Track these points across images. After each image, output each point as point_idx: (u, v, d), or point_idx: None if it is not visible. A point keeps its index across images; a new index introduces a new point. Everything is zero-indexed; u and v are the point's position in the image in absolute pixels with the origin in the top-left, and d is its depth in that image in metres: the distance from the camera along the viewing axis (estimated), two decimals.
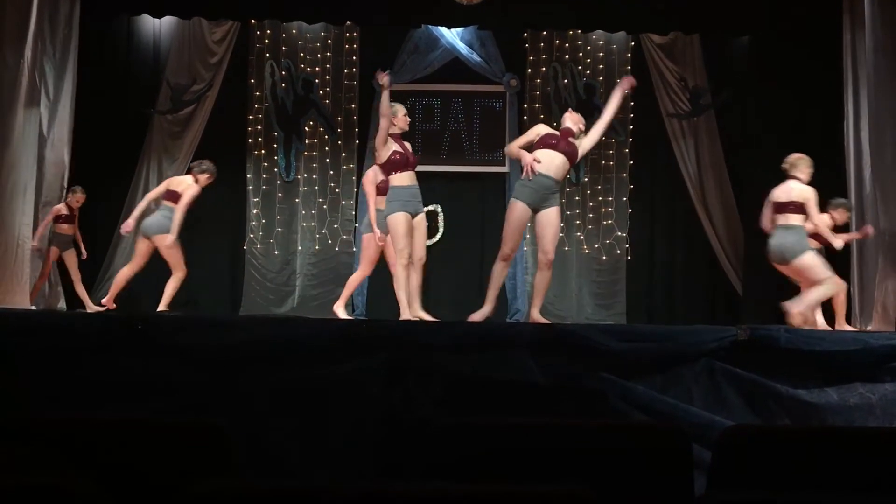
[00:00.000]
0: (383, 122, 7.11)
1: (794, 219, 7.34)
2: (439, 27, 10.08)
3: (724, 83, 10.21)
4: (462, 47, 10.22)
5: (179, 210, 8.21)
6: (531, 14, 9.54)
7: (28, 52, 8.48)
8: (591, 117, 9.11)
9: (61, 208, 9.01)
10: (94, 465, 2.32)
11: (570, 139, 7.08)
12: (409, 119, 7.43)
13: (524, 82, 10.46)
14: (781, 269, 7.51)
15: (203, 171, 8.46)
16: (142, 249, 8.33)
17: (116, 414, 3.06)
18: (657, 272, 10.41)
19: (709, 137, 10.28)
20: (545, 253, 7.04)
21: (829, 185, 8.97)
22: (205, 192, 10.34)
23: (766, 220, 7.53)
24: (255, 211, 10.34)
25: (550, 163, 6.95)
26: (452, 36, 10.17)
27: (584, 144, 7.16)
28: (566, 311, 10.11)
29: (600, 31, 10.28)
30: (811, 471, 2.90)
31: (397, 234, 7.04)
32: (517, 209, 6.97)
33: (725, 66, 10.34)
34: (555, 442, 2.86)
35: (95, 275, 9.73)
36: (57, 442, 2.39)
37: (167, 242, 8.16)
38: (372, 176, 7.86)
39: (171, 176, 10.01)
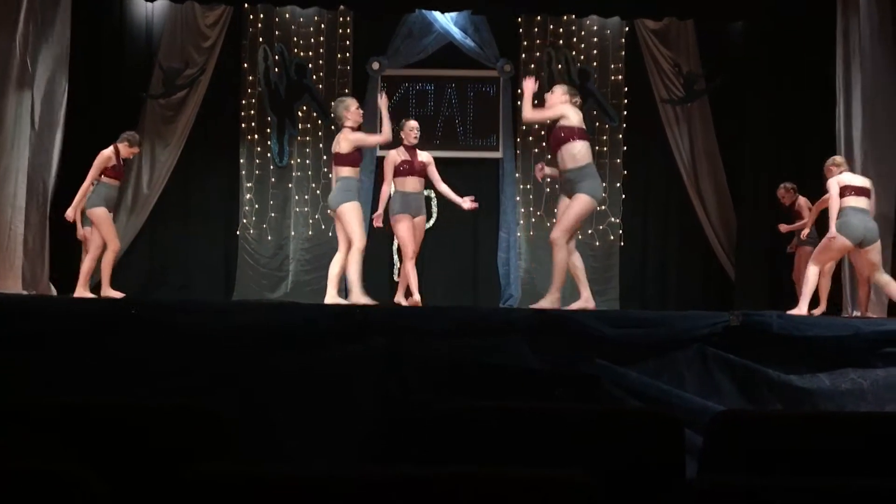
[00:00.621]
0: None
1: (867, 204, 7.59)
2: (433, 12, 10.06)
3: (718, 69, 10.21)
4: (456, 32, 10.21)
5: (87, 179, 7.99)
6: None
7: (19, 36, 8.45)
8: (584, 102, 9.14)
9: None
10: (90, 450, 2.33)
11: None
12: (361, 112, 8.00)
13: (518, 67, 10.44)
14: (852, 251, 7.67)
15: (122, 140, 8.21)
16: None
17: (112, 398, 3.07)
18: (650, 258, 10.44)
19: (703, 124, 10.29)
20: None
21: (820, 172, 9.01)
22: (197, 176, 10.37)
23: (834, 203, 7.55)
24: (248, 196, 10.34)
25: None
26: (446, 21, 10.16)
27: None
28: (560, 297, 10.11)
29: (594, 16, 10.27)
30: (802, 456, 2.92)
31: (352, 221, 7.59)
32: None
33: (719, 52, 10.34)
34: (548, 427, 2.88)
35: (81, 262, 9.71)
36: (52, 426, 2.41)
37: (93, 216, 8.00)
38: (394, 156, 8.15)
39: (164, 161, 10.03)
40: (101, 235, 8.03)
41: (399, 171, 8.08)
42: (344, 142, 7.69)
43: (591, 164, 7.35)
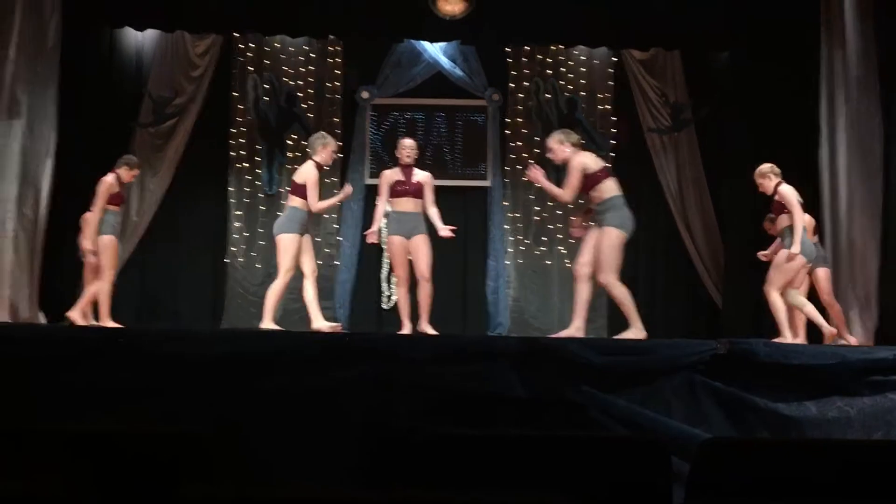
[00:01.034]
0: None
1: None
2: (422, 41, 10.12)
3: (704, 99, 10.28)
4: (445, 62, 10.26)
5: (95, 208, 8.03)
6: (514, 29, 9.57)
7: (10, 65, 8.47)
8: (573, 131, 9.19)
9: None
10: (78, 474, 2.33)
11: None
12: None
13: (506, 97, 10.50)
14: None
15: (121, 165, 8.26)
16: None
17: (100, 424, 3.07)
18: (638, 286, 10.41)
19: (689, 152, 10.35)
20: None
21: (805, 200, 9.07)
22: (187, 204, 10.37)
23: (799, 216, 7.54)
24: (237, 224, 10.33)
25: None
26: (435, 50, 10.21)
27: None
28: (548, 324, 10.13)
29: (582, 46, 10.34)
30: (789, 483, 2.93)
31: (285, 253, 7.90)
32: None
33: (706, 81, 10.40)
34: (536, 454, 2.89)
35: (76, 288, 9.69)
36: (40, 451, 2.40)
37: (101, 244, 8.02)
38: (389, 176, 8.25)
39: (153, 189, 10.02)
40: (101, 263, 8.04)
41: (394, 192, 8.13)
42: (301, 173, 7.98)
43: (618, 197, 7.42)
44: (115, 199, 8.13)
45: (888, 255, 8.41)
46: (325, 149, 8.03)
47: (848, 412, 5.59)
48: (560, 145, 7.54)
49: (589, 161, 7.46)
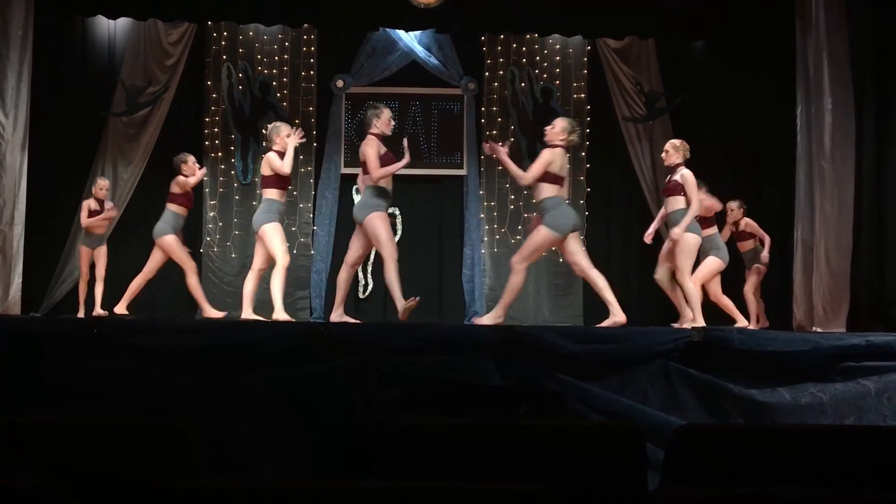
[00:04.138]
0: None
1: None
2: (397, 30, 10.10)
3: (679, 87, 10.32)
4: (420, 50, 10.25)
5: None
6: (489, 17, 9.57)
7: None
8: (546, 120, 9.21)
9: (90, 203, 9.10)
10: (55, 467, 2.32)
11: None
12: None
13: (482, 85, 10.51)
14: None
15: (177, 165, 8.94)
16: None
17: (77, 416, 3.05)
18: (614, 274, 10.47)
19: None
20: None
21: (781, 190, 9.14)
22: (160, 194, 10.31)
23: (695, 196, 7.90)
24: (211, 214, 10.29)
25: None
26: (410, 39, 10.19)
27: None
28: (524, 313, 10.16)
29: (557, 35, 10.35)
30: (762, 468, 2.96)
31: (273, 240, 8.18)
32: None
33: (680, 70, 10.45)
34: (513, 442, 2.90)
35: (48, 279, 9.62)
36: (17, 444, 2.39)
37: (163, 244, 8.76)
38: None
39: (127, 178, 9.96)
40: (176, 261, 8.79)
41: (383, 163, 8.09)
42: (266, 165, 8.22)
43: (558, 198, 7.72)
44: (178, 200, 8.79)
45: (860, 242, 8.49)
46: (278, 136, 8.31)
47: (821, 398, 5.65)
48: (561, 132, 7.74)
49: (559, 162, 7.65)
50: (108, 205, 9.23)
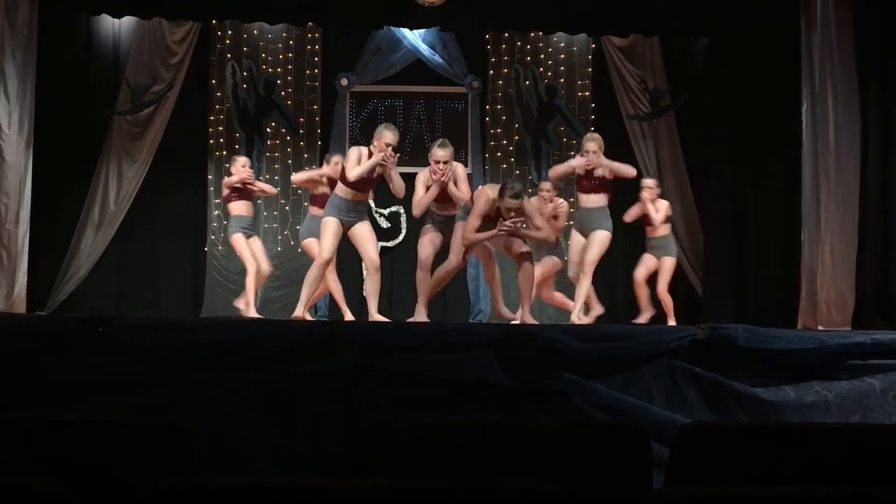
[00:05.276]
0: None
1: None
2: (401, 28, 10.09)
3: (683, 85, 10.30)
4: (424, 49, 10.24)
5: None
6: (493, 16, 9.57)
7: None
8: (551, 119, 9.24)
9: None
10: (57, 466, 2.32)
11: None
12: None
13: (486, 84, 10.50)
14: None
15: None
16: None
17: (79, 415, 3.05)
18: (618, 272, 10.48)
19: (668, 139, 10.37)
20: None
21: (786, 188, 9.12)
22: (165, 193, 10.33)
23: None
24: (216, 212, 10.29)
25: None
26: (414, 37, 10.19)
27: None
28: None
29: (561, 33, 10.34)
30: (768, 467, 2.95)
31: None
32: None
33: (685, 68, 10.43)
34: (517, 441, 2.89)
35: (53, 278, 9.63)
36: (19, 443, 2.39)
37: (233, 244, 8.72)
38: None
39: (131, 177, 9.96)
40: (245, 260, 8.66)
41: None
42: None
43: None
44: (230, 199, 8.68)
45: (865, 240, 8.46)
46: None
47: (826, 396, 5.62)
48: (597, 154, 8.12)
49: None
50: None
